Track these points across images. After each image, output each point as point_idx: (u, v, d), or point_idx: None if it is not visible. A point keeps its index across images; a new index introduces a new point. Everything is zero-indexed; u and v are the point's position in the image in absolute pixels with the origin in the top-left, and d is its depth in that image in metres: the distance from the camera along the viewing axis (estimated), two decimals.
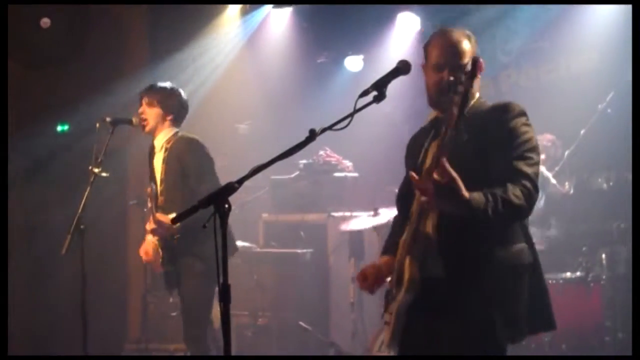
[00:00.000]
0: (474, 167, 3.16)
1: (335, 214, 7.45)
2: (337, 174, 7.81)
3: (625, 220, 6.34)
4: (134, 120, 5.44)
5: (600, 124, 6.63)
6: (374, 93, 3.26)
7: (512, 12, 7.83)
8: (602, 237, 6.55)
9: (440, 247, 3.24)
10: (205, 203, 2.91)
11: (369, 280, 3.53)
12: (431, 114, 3.53)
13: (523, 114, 3.30)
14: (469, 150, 3.18)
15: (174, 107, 5.43)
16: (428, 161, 3.31)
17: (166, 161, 5.40)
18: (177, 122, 5.49)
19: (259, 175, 3.13)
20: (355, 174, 7.90)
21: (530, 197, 3.15)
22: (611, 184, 6.74)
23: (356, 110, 3.18)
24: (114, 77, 7.67)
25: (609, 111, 6.59)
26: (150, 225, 5.33)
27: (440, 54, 3.39)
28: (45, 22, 7.29)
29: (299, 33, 8.77)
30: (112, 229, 7.32)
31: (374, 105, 3.26)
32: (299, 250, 7.38)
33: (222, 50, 8.41)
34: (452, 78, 3.26)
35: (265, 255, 7.53)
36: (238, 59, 8.55)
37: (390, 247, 3.60)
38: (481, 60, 3.34)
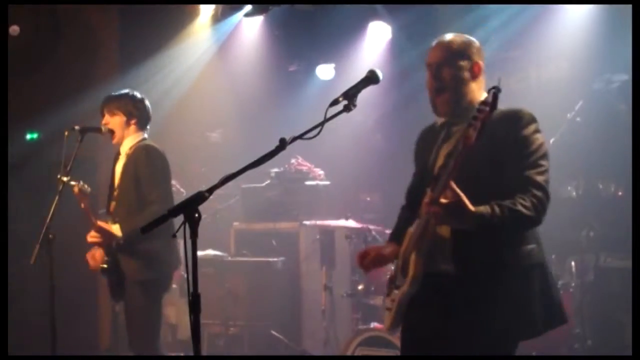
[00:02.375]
0: (486, 174, 3.25)
1: (307, 222, 7.45)
2: (308, 182, 7.81)
3: (594, 228, 6.41)
4: (103, 128, 5.40)
5: (570, 133, 6.68)
6: (344, 102, 3.28)
7: (483, 22, 7.88)
8: (571, 245, 6.59)
9: (453, 246, 3.31)
10: (175, 212, 2.89)
11: (368, 258, 3.62)
12: None
13: (534, 120, 3.37)
14: (481, 158, 3.23)
15: (135, 111, 5.39)
16: (440, 161, 3.44)
17: (123, 167, 5.36)
18: (142, 126, 5.44)
19: (230, 184, 3.12)
20: (327, 182, 7.90)
21: (541, 206, 3.23)
22: (580, 192, 6.80)
23: (326, 120, 3.19)
24: (84, 84, 7.62)
25: (578, 120, 6.64)
26: (91, 238, 5.23)
27: (431, 54, 3.51)
28: (15, 29, 7.23)
29: (271, 41, 8.79)
30: (81, 238, 7.24)
31: (345, 113, 3.28)
32: (270, 259, 7.37)
33: (193, 58, 8.40)
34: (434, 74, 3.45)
35: (237, 264, 7.51)
36: (209, 67, 8.54)
37: (396, 235, 3.69)
38: (480, 63, 3.49)
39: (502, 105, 3.33)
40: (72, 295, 6.99)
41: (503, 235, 3.26)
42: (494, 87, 3.10)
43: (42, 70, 7.70)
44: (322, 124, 3.18)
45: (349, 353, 5.94)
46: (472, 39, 3.54)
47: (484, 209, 3.13)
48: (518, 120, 3.34)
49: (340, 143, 7.19)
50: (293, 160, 7.86)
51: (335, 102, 3.25)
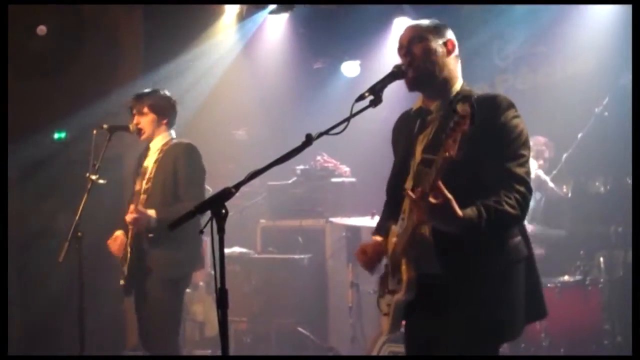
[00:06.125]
0: (464, 167, 3.01)
1: (333, 219, 7.45)
2: (334, 179, 7.81)
3: (622, 223, 6.34)
4: (131, 127, 5.42)
5: (597, 128, 6.64)
6: (370, 97, 3.25)
7: (509, 18, 7.85)
8: (600, 241, 6.54)
9: (436, 245, 3.20)
10: (202, 208, 2.90)
11: (369, 254, 3.50)
12: (417, 101, 3.49)
13: (511, 105, 3.23)
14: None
15: (166, 109, 5.43)
16: (417, 156, 3.33)
17: (159, 162, 5.36)
18: (172, 124, 5.49)
19: (257, 181, 3.13)
20: (353, 179, 7.89)
21: (525, 202, 3.14)
22: (608, 187, 6.74)
23: (352, 115, 3.18)
24: (110, 84, 7.67)
25: (606, 114, 6.59)
26: (130, 216, 5.16)
27: (400, 37, 3.46)
28: (42, 29, 7.30)
29: (296, 39, 8.78)
30: (109, 235, 7.31)
31: (371, 110, 3.26)
32: (296, 256, 7.38)
33: (218, 57, 8.41)
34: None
35: (263, 261, 7.53)
36: (235, 65, 8.56)
37: (381, 228, 3.60)
38: (453, 40, 3.40)
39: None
40: (100, 292, 7.03)
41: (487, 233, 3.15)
42: (469, 100, 2.89)
43: (69, 69, 7.75)
44: (348, 119, 3.17)
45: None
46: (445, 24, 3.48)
47: (471, 212, 3.02)
48: (494, 106, 3.21)
49: (366, 140, 7.16)
50: (319, 158, 7.86)
51: (361, 98, 3.23)
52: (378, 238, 3.57)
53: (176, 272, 5.29)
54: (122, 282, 5.40)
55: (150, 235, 5.20)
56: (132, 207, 5.18)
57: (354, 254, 3.61)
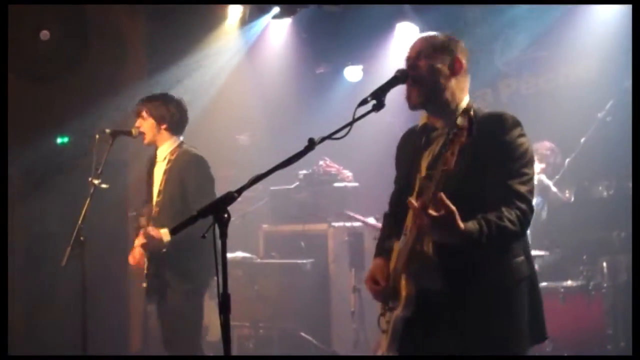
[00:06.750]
0: (467, 182, 3.07)
1: (336, 224, 7.44)
2: (337, 184, 7.81)
3: (625, 228, 6.33)
4: (134, 131, 5.42)
5: (600, 132, 6.63)
6: (373, 102, 3.24)
7: (512, 22, 7.85)
8: (602, 246, 6.53)
9: (438, 261, 3.18)
10: (204, 213, 2.90)
11: (382, 283, 3.41)
12: (422, 117, 3.48)
13: (517, 124, 3.22)
14: (463, 165, 3.03)
15: (166, 115, 5.38)
16: (423, 172, 3.30)
17: (167, 172, 5.36)
18: (174, 130, 5.44)
19: (259, 186, 3.12)
20: (356, 184, 7.89)
21: (526, 219, 3.11)
22: (611, 192, 6.73)
23: (355, 119, 3.17)
24: (113, 88, 7.67)
25: (609, 119, 6.59)
26: (139, 240, 5.24)
27: (409, 48, 3.45)
28: (45, 34, 7.30)
29: (299, 44, 8.79)
30: (112, 240, 7.32)
31: (374, 114, 3.25)
32: (299, 261, 7.37)
33: (221, 61, 8.42)
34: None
35: (266, 266, 7.52)
36: (238, 69, 8.56)
37: (384, 249, 3.54)
38: (462, 60, 3.37)
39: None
40: (103, 297, 7.04)
41: (488, 250, 3.12)
42: (467, 110, 2.90)
43: (72, 74, 7.76)
44: (350, 123, 3.16)
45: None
46: (458, 39, 3.44)
47: (472, 225, 2.99)
48: (500, 124, 3.19)
49: (369, 144, 7.17)
50: (321, 162, 7.85)
51: (363, 102, 3.21)
52: (380, 261, 3.49)
53: (193, 284, 5.31)
54: (145, 284, 5.42)
55: (164, 250, 5.18)
56: (142, 231, 5.20)
57: (365, 281, 3.51)
